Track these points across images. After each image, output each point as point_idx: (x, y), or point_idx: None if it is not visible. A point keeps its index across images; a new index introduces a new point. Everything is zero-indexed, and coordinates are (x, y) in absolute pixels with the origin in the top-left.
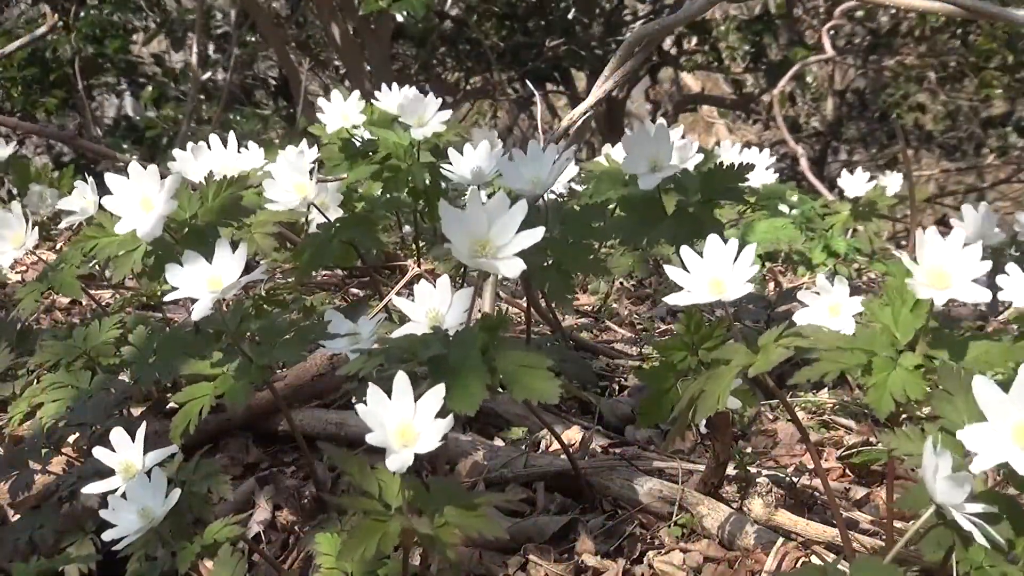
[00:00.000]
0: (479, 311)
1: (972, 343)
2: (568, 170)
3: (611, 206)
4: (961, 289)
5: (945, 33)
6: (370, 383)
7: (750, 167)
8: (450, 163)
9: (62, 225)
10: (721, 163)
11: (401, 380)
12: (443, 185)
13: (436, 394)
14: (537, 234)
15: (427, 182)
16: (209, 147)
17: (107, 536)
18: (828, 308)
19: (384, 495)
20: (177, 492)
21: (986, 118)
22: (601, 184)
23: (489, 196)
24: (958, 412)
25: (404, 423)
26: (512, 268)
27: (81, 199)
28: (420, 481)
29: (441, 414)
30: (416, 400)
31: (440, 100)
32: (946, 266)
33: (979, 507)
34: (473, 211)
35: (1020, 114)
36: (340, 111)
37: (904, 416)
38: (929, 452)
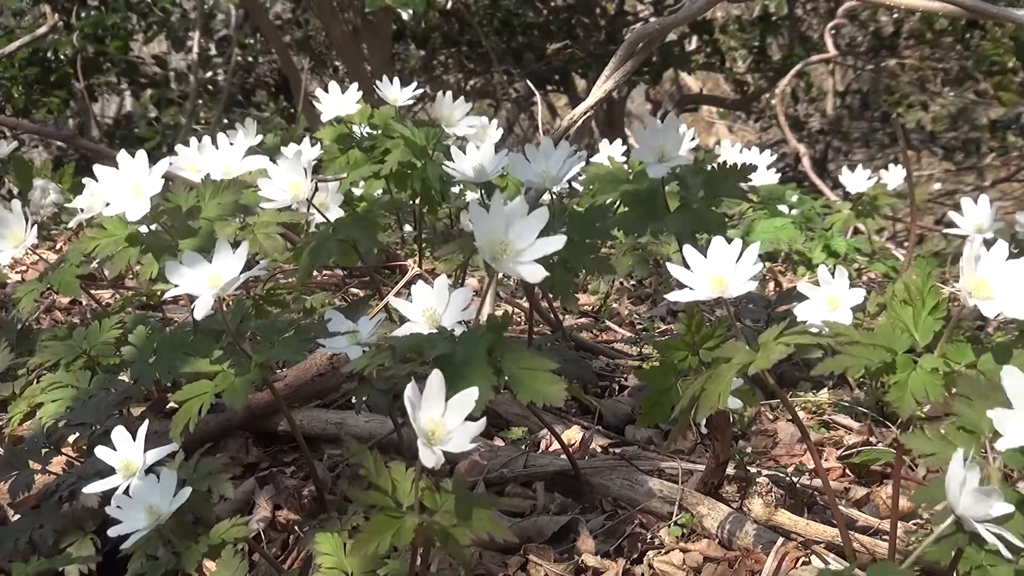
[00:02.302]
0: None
1: (1016, 351)
2: (573, 167)
3: (614, 206)
4: (1007, 303)
5: (948, 36)
6: (411, 380)
7: (753, 167)
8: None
9: (71, 224)
10: (724, 162)
11: (435, 379)
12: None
13: (469, 395)
14: (558, 241)
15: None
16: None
17: (113, 532)
18: (827, 300)
19: (396, 493)
20: (188, 491)
21: (990, 120)
22: (604, 184)
23: (500, 189)
24: (977, 415)
25: (435, 421)
26: (533, 273)
27: (89, 197)
28: (427, 481)
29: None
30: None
31: (470, 104)
32: (989, 277)
33: (998, 510)
34: (495, 212)
35: (1021, 114)
36: (336, 102)
37: (908, 417)
38: (958, 463)
